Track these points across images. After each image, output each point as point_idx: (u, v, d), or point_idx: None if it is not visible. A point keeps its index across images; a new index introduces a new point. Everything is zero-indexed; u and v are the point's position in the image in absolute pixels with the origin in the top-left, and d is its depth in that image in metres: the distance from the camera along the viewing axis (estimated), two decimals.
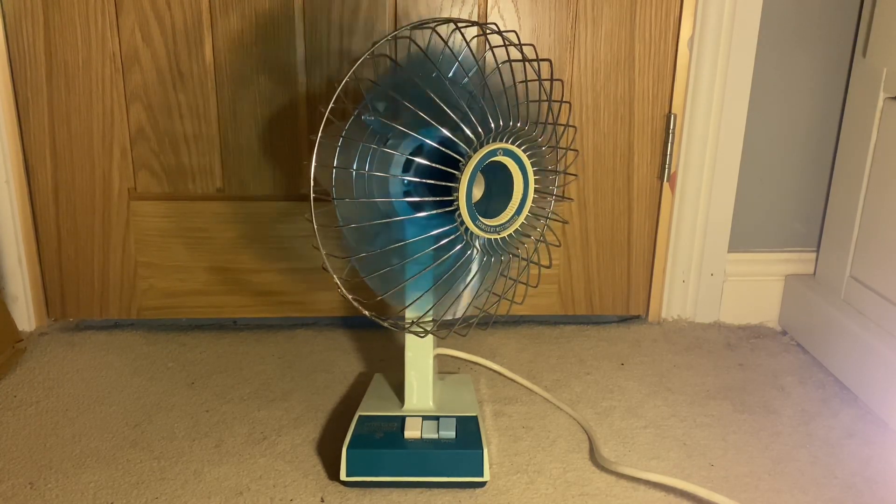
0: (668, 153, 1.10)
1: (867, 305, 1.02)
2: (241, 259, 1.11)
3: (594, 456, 0.83)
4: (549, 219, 0.78)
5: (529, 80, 0.72)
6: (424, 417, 0.80)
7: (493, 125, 0.67)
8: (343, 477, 0.76)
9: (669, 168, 1.11)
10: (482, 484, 0.77)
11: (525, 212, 0.73)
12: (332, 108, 0.67)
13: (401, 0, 1.02)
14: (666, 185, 1.12)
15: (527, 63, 0.72)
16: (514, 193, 0.72)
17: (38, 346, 1.07)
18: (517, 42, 0.72)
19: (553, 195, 0.78)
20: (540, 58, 0.73)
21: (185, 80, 1.04)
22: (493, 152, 0.68)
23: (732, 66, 1.07)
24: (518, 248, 0.75)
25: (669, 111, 1.09)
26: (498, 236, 0.72)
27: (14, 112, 1.03)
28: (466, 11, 1.03)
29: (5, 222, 1.06)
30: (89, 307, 1.12)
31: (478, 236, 0.70)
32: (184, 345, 1.09)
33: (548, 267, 0.79)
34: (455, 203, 0.67)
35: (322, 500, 0.76)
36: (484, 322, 0.77)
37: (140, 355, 1.05)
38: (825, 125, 1.12)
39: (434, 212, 0.68)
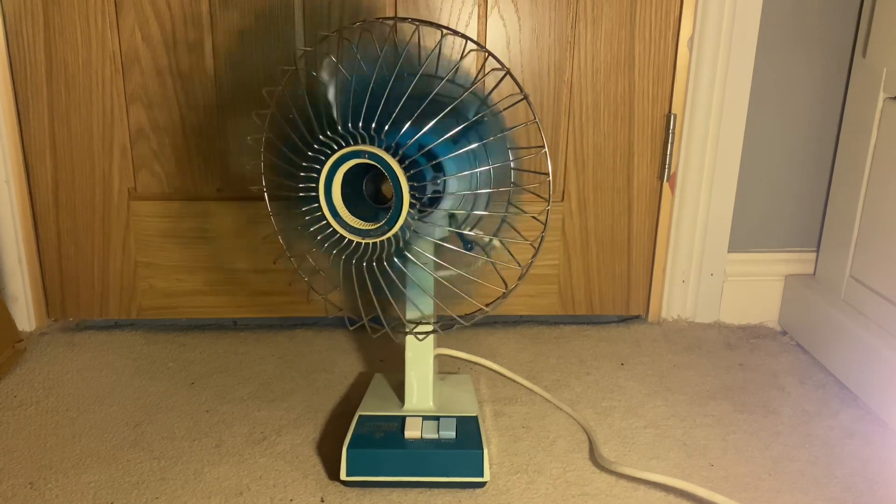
0: (668, 153, 1.10)
1: (867, 305, 1.02)
2: (240, 259, 1.11)
3: (594, 456, 0.83)
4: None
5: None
6: (424, 417, 0.80)
7: (345, 128, 0.69)
8: (343, 477, 0.76)
9: (669, 168, 1.11)
10: (482, 484, 0.77)
11: (400, 221, 0.69)
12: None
13: (400, 1, 1.02)
14: (666, 185, 1.12)
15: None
16: (395, 201, 0.69)
17: (38, 346, 1.07)
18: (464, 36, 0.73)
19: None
20: (503, 61, 0.73)
21: (185, 81, 1.04)
22: (359, 154, 0.69)
23: (732, 66, 1.07)
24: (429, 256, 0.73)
25: (669, 111, 1.09)
26: (362, 240, 0.71)
27: (14, 112, 1.03)
28: (466, 12, 1.03)
29: (5, 222, 1.06)
30: (89, 307, 1.12)
31: (343, 234, 0.72)
32: (184, 345, 1.09)
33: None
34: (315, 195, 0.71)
35: (322, 500, 0.76)
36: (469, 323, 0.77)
37: (140, 355, 1.05)
38: (825, 125, 1.12)
39: (305, 204, 0.73)
